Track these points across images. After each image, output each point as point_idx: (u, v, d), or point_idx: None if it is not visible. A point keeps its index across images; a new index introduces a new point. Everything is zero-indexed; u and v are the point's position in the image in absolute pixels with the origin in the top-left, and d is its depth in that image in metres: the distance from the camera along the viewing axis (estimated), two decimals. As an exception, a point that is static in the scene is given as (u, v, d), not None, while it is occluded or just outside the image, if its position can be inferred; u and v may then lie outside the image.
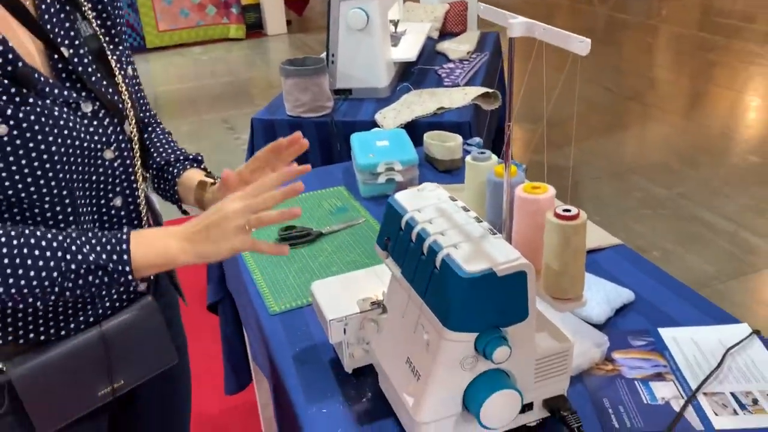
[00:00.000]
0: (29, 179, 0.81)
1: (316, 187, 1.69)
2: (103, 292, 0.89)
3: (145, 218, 0.99)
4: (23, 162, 0.80)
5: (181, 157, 1.11)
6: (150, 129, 1.13)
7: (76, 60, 0.87)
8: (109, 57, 0.93)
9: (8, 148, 0.78)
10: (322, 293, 1.05)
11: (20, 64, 0.78)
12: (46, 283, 0.78)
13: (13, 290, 0.77)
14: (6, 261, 0.76)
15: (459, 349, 0.81)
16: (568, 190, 3.47)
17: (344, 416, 0.97)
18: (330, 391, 1.01)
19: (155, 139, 1.12)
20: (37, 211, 0.83)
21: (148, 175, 1.04)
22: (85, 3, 0.92)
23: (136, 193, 0.97)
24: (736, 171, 3.60)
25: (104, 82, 0.91)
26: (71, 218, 0.87)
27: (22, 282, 0.77)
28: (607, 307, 1.13)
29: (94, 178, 0.90)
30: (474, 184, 1.08)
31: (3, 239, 0.77)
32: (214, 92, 5.48)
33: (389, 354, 0.94)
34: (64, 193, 0.85)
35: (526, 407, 0.90)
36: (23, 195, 0.81)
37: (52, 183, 0.83)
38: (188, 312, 2.72)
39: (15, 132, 0.78)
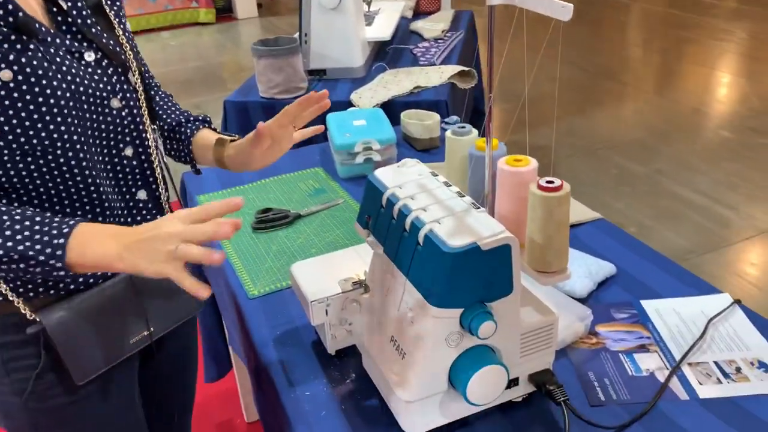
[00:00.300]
0: (40, 125, 0.81)
1: (293, 169, 1.66)
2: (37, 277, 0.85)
3: (158, 168, 0.99)
4: (32, 107, 0.80)
5: (191, 118, 1.12)
6: (152, 92, 1.12)
7: (74, 12, 0.88)
8: (108, 11, 0.92)
9: (15, 94, 0.78)
10: (303, 274, 1.03)
11: (21, 14, 0.79)
12: None
13: None
14: None
15: (444, 325, 0.80)
16: (551, 167, 3.48)
17: (328, 398, 0.95)
18: (313, 374, 0.99)
19: (160, 102, 1.12)
20: (50, 158, 0.83)
21: (155, 127, 1.03)
22: None
23: (147, 143, 0.97)
24: (710, 146, 3.64)
25: (104, 35, 0.91)
26: (85, 166, 0.87)
27: None
28: (589, 281, 1.12)
29: (103, 126, 0.90)
30: (454, 159, 1.06)
31: None
32: (185, 77, 5.38)
33: (372, 333, 0.93)
34: (75, 138, 0.85)
35: (512, 382, 0.89)
36: (35, 142, 0.81)
37: (62, 128, 0.83)
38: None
39: (20, 77, 0.78)
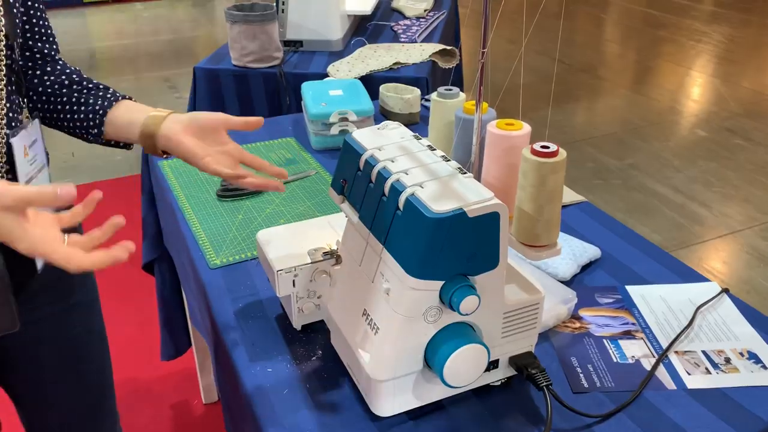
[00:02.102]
0: None
1: (264, 138, 1.57)
2: None
3: (3, 149, 0.83)
4: None
5: (100, 86, 0.97)
6: (50, 63, 0.98)
7: None
8: None
9: None
10: (270, 243, 0.95)
11: None
12: None
13: None
14: None
15: (422, 298, 0.73)
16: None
17: (291, 375, 0.87)
18: (276, 350, 0.92)
19: (51, 71, 0.98)
20: None
21: (22, 100, 0.88)
22: None
23: None
24: (685, 144, 3.64)
25: None
26: None
27: None
28: (574, 264, 1.07)
29: None
30: (440, 124, 0.99)
31: None
32: (156, 50, 5.21)
33: (343, 307, 0.85)
34: None
35: (491, 365, 0.82)
36: None
37: None
38: (121, 272, 2.57)
39: None
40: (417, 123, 1.66)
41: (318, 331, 0.95)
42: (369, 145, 0.84)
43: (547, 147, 0.74)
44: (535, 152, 0.74)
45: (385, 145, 0.84)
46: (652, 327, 0.96)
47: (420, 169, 0.77)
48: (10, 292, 0.85)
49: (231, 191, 1.30)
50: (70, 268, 0.67)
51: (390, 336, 0.75)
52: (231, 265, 1.10)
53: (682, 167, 3.36)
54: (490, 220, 0.71)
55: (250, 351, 0.91)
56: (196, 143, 0.89)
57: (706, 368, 0.88)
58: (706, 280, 1.07)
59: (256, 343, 0.93)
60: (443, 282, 0.72)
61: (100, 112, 0.95)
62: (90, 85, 0.99)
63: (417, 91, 1.65)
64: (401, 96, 1.63)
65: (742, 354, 0.91)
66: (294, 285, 0.90)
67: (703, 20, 6.17)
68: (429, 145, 0.83)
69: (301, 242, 0.95)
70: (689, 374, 0.87)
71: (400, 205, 0.73)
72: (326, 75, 2.04)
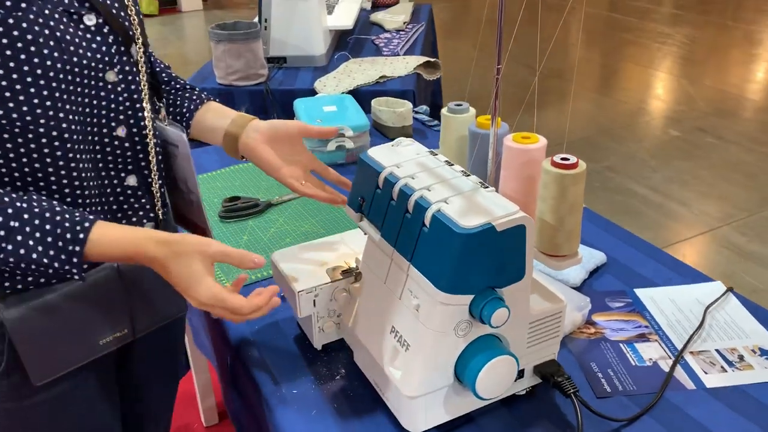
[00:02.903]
0: (22, 96, 0.70)
1: (259, 157, 1.56)
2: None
3: (152, 152, 0.88)
4: (15, 76, 0.70)
5: (188, 86, 1.03)
6: (157, 67, 1.02)
7: None
8: None
9: None
10: (286, 263, 0.95)
11: None
12: None
13: None
14: None
15: (453, 313, 0.74)
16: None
17: (317, 396, 0.87)
18: (299, 371, 0.92)
19: (162, 74, 1.02)
20: (31, 136, 0.73)
21: (161, 105, 0.92)
22: None
23: (142, 123, 0.85)
24: (659, 145, 3.72)
25: None
26: (69, 148, 0.76)
27: None
28: (582, 270, 1.09)
29: (95, 102, 0.79)
30: (451, 139, 1.00)
31: None
32: (127, 69, 5.16)
33: (368, 325, 0.86)
34: (61, 115, 0.74)
35: (518, 375, 0.84)
36: (16, 116, 0.71)
37: (48, 103, 0.72)
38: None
39: (4, 40, 0.68)
40: (410, 135, 1.67)
41: (338, 349, 0.95)
42: (387, 162, 0.85)
43: (567, 159, 0.76)
44: (555, 164, 0.76)
45: (403, 162, 0.84)
46: (665, 329, 0.98)
47: (442, 185, 0.78)
48: None
49: (233, 212, 1.30)
50: (236, 319, 0.79)
51: (421, 352, 0.76)
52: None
53: (658, 167, 3.43)
54: (517, 232, 0.72)
55: (274, 374, 0.91)
56: (273, 155, 0.94)
57: (722, 367, 0.91)
58: (710, 279, 1.09)
59: (278, 365, 0.93)
60: (473, 296, 0.73)
61: (187, 114, 1.00)
62: (178, 86, 1.03)
63: (408, 105, 1.67)
64: (393, 110, 1.65)
65: (754, 351, 0.93)
66: (315, 305, 0.91)
67: (665, 22, 6.32)
68: (446, 161, 0.84)
69: (318, 261, 0.95)
70: (706, 373, 0.90)
71: (426, 221, 0.74)
72: (313, 90, 2.04)
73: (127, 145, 0.85)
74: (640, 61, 5.20)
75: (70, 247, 0.72)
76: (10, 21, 0.68)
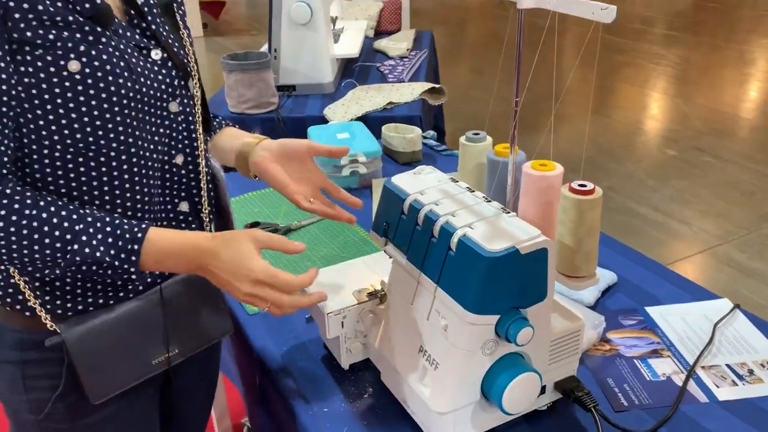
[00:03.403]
0: (98, 122, 0.77)
1: (275, 183, 1.61)
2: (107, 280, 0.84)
3: (203, 179, 0.94)
4: (94, 103, 0.76)
5: (212, 115, 1.07)
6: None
7: (146, 9, 0.84)
8: (176, 13, 0.89)
9: (79, 87, 0.75)
10: (313, 286, 0.99)
11: (99, 1, 0.77)
12: (49, 263, 0.75)
13: (15, 261, 0.75)
14: (13, 230, 0.72)
15: (480, 333, 0.78)
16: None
17: (347, 414, 0.91)
18: (328, 390, 0.96)
19: None
20: (103, 159, 0.79)
21: (209, 138, 0.98)
22: None
23: (197, 152, 0.92)
24: (657, 164, 3.78)
25: (171, 36, 0.87)
26: (136, 171, 0.83)
27: (25, 254, 0.74)
28: (595, 289, 1.13)
29: (161, 131, 0.86)
30: (469, 166, 1.05)
31: (16, 206, 0.73)
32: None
33: (395, 345, 0.90)
34: (131, 140, 0.81)
35: (540, 391, 0.88)
36: (91, 139, 0.77)
37: (120, 128, 0.79)
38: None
39: (87, 70, 0.76)
40: (419, 160, 1.72)
41: (365, 369, 0.99)
42: (410, 189, 0.89)
43: (584, 185, 0.81)
44: (573, 190, 0.81)
45: (426, 189, 0.89)
46: (676, 345, 1.03)
47: (465, 211, 0.83)
48: (223, 299, 0.98)
49: (254, 237, 1.34)
50: (277, 312, 0.84)
51: (450, 370, 0.80)
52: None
53: (657, 187, 3.49)
54: (540, 255, 0.77)
55: (304, 393, 0.95)
56: (282, 172, 0.97)
57: (733, 380, 0.95)
58: (717, 297, 1.14)
59: (307, 384, 0.97)
60: (499, 316, 0.78)
61: (206, 139, 1.04)
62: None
63: (417, 131, 1.73)
64: (403, 135, 1.70)
65: (763, 365, 0.97)
66: (343, 326, 0.95)
67: (659, 43, 6.43)
68: (467, 187, 0.89)
69: (343, 284, 0.99)
70: (718, 387, 0.94)
71: (453, 245, 0.79)
72: (322, 117, 2.10)
73: (183, 172, 0.91)
74: (635, 81, 5.30)
75: (129, 246, 0.77)
76: (93, 53, 0.75)
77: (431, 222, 0.83)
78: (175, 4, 0.90)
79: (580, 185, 0.81)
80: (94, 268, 0.76)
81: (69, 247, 0.75)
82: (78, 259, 0.75)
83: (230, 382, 1.64)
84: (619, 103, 4.88)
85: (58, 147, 0.77)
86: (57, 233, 0.74)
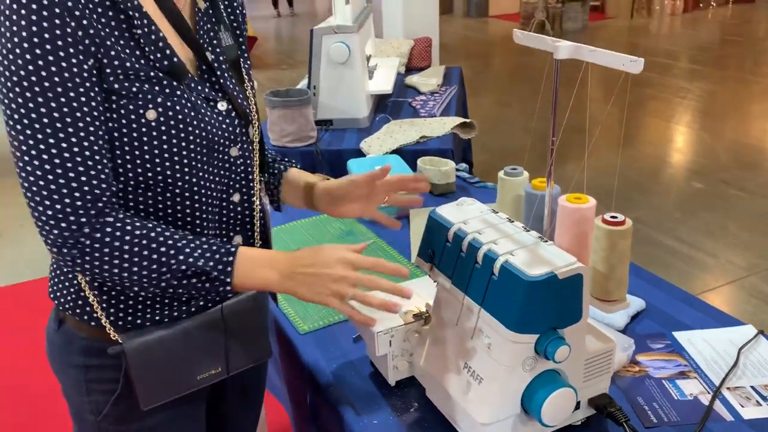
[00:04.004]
0: (168, 163, 0.87)
1: (318, 213, 1.71)
2: (200, 294, 0.93)
3: (257, 216, 1.04)
4: (165, 147, 0.86)
5: (278, 158, 1.17)
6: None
7: (216, 65, 0.94)
8: (242, 68, 0.99)
9: (154, 133, 0.85)
10: (363, 307, 1.08)
11: (175, 59, 0.87)
12: (154, 276, 0.84)
13: (124, 275, 0.84)
14: (126, 248, 0.82)
15: (521, 350, 0.86)
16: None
17: (396, 426, 0.99)
18: (377, 404, 1.03)
19: None
20: (169, 195, 0.89)
21: (263, 178, 1.08)
22: (226, 17, 0.99)
23: (252, 191, 1.02)
24: (684, 196, 3.82)
25: (236, 88, 0.97)
26: (197, 207, 0.93)
27: (134, 270, 0.83)
28: (625, 314, 1.20)
29: (221, 172, 0.96)
30: (507, 198, 1.14)
31: (128, 228, 0.83)
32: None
33: (440, 362, 0.98)
34: (194, 180, 0.90)
35: (575, 406, 0.94)
36: (160, 178, 0.87)
37: (186, 169, 0.88)
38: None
39: (162, 118, 0.85)
40: (453, 192, 1.81)
41: (410, 386, 1.07)
42: (454, 219, 0.98)
43: (616, 217, 0.89)
44: (606, 221, 0.89)
45: (469, 219, 0.98)
46: (703, 367, 1.09)
47: (506, 239, 0.91)
48: (266, 320, 1.05)
49: (301, 263, 1.43)
50: (370, 286, 0.91)
51: (493, 385, 0.88)
52: (318, 330, 1.22)
53: (684, 219, 3.53)
54: (576, 280, 0.85)
55: (355, 407, 1.03)
56: (335, 210, 1.12)
57: (757, 401, 1.01)
58: (741, 323, 1.20)
59: (357, 399, 1.05)
60: (538, 335, 0.85)
61: (261, 179, 1.14)
62: (272, 159, 1.18)
63: (451, 163, 1.82)
64: (438, 168, 1.80)
65: (786, 387, 1.03)
66: (390, 345, 1.03)
67: (683, 77, 6.50)
68: (507, 218, 0.98)
69: (390, 307, 1.08)
70: (743, 407, 1.00)
71: (495, 271, 0.87)
72: (359, 150, 2.21)
73: (239, 209, 1.00)
74: (661, 115, 5.36)
75: (225, 258, 0.87)
76: (168, 104, 0.85)
77: (475, 249, 0.91)
78: (242, 60, 1.01)
79: (612, 217, 0.89)
80: (194, 280, 0.86)
81: (173, 261, 0.84)
82: (183, 267, 0.85)
83: (271, 408, 1.72)
84: (645, 136, 4.94)
85: (131, 182, 0.87)
86: (163, 249, 0.84)
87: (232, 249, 0.88)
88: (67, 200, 0.80)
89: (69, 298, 0.93)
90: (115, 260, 0.82)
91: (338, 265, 0.89)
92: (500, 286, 0.86)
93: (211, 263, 0.86)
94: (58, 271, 0.95)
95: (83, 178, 0.80)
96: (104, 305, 0.92)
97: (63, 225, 0.80)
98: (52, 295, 0.96)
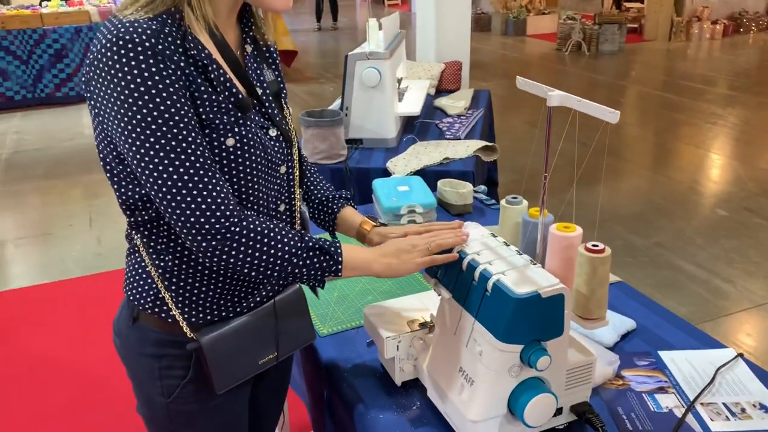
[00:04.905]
0: (242, 183, 1.03)
1: (343, 227, 1.86)
2: (310, 275, 1.08)
3: (297, 222, 1.20)
4: (240, 169, 1.02)
5: (336, 195, 1.31)
6: (304, 165, 1.32)
7: (264, 98, 1.10)
8: (282, 99, 1.16)
9: (231, 157, 1.01)
10: (375, 316, 1.22)
11: (241, 96, 1.03)
12: (287, 256, 1.03)
13: (255, 262, 1.01)
14: (259, 238, 1.01)
15: (508, 358, 0.99)
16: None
17: (399, 421, 1.12)
18: (384, 401, 1.17)
19: (310, 176, 1.32)
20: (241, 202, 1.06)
21: (300, 190, 1.25)
22: (269, 58, 1.16)
23: (294, 202, 1.19)
24: (707, 223, 3.88)
25: (279, 116, 1.13)
26: (255, 216, 1.07)
27: (263, 258, 1.01)
28: (614, 333, 1.31)
29: (273, 186, 1.12)
30: (508, 224, 1.27)
31: (257, 222, 1.02)
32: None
33: (440, 366, 1.11)
34: (256, 194, 1.07)
35: (557, 412, 1.07)
36: (235, 188, 1.04)
37: (250, 185, 1.05)
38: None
39: (238, 144, 1.01)
40: (470, 212, 1.94)
41: (414, 387, 1.20)
42: (458, 241, 1.11)
43: (597, 245, 1.01)
44: (588, 249, 1.01)
45: (471, 242, 1.11)
46: (681, 384, 1.20)
47: (501, 261, 1.04)
48: (307, 309, 1.21)
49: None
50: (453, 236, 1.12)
51: (482, 387, 1.01)
52: (336, 333, 1.36)
53: (705, 245, 3.59)
54: (558, 299, 0.98)
55: (365, 402, 1.17)
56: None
57: (726, 416, 1.11)
58: (724, 346, 1.30)
59: (367, 396, 1.18)
60: (523, 345, 0.98)
61: (334, 214, 1.30)
62: (331, 193, 1.32)
63: (469, 186, 1.95)
64: (457, 190, 1.93)
65: (754, 405, 1.14)
66: (398, 349, 1.17)
67: (718, 103, 6.50)
68: (504, 242, 1.11)
69: (400, 315, 1.22)
70: (713, 420, 1.11)
71: (488, 288, 1.00)
72: (385, 169, 2.35)
73: (284, 217, 1.17)
74: (691, 140, 5.39)
75: (333, 248, 1.07)
76: (243, 132, 1.01)
77: (473, 268, 1.04)
78: (282, 93, 1.17)
79: (593, 245, 1.01)
80: (315, 258, 1.05)
81: (302, 239, 1.05)
82: (311, 244, 1.04)
83: (293, 403, 1.86)
84: (673, 161, 4.99)
85: None
86: (291, 234, 1.05)
87: (335, 240, 1.07)
88: (210, 201, 0.96)
89: (147, 298, 1.09)
90: (249, 249, 0.99)
91: (409, 240, 1.10)
92: (492, 301, 0.99)
93: (327, 244, 1.05)
94: (136, 276, 1.10)
95: (219, 184, 0.97)
96: (179, 305, 1.08)
97: (213, 220, 0.96)
98: (129, 296, 1.12)
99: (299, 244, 1.04)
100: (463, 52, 3.72)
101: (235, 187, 1.03)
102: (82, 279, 3.44)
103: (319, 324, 1.40)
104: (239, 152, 1.01)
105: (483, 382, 1.01)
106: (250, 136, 1.03)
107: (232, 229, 0.98)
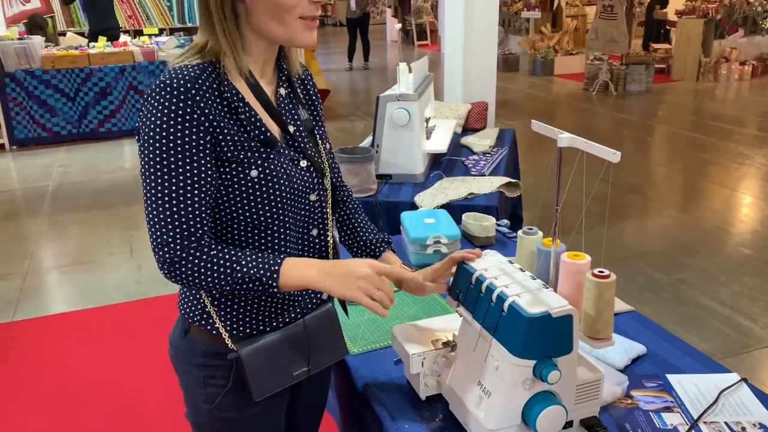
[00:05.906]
0: (266, 209, 1.16)
1: (372, 257, 1.98)
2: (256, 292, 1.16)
3: (331, 245, 1.32)
4: (264, 197, 1.15)
5: (379, 238, 1.42)
6: (349, 203, 1.45)
7: (297, 134, 1.24)
8: (316, 134, 1.30)
9: (256, 186, 1.14)
10: (402, 335, 1.34)
11: (268, 133, 1.16)
12: (228, 281, 1.11)
13: (209, 285, 1.12)
14: (209, 266, 1.11)
15: (522, 372, 1.09)
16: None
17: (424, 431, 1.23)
18: (409, 414, 1.28)
19: (356, 215, 1.44)
20: (269, 232, 1.18)
21: (334, 217, 1.38)
22: (303, 98, 1.30)
23: (327, 227, 1.31)
24: (730, 261, 3.92)
25: (312, 149, 1.27)
26: (284, 237, 1.20)
27: (215, 282, 1.12)
28: (625, 357, 1.41)
29: (303, 212, 1.25)
30: (524, 252, 1.38)
31: (213, 253, 1.11)
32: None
33: (461, 380, 1.22)
34: (282, 219, 1.19)
35: (568, 424, 1.16)
36: (260, 220, 1.17)
37: (277, 212, 1.18)
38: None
39: (262, 176, 1.14)
40: (493, 244, 2.05)
41: (437, 401, 1.31)
42: (478, 267, 1.23)
43: (603, 272, 1.12)
44: (594, 275, 1.12)
45: (489, 267, 1.23)
46: (686, 404, 1.29)
47: (516, 285, 1.16)
48: (339, 327, 1.31)
49: (356, 298, 1.70)
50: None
51: (499, 398, 1.11)
52: (366, 353, 1.48)
53: (728, 282, 3.63)
54: (567, 319, 1.08)
55: (392, 415, 1.28)
56: (422, 293, 1.35)
57: (728, 434, 1.20)
58: (728, 371, 1.39)
59: (394, 409, 1.29)
60: (536, 361, 1.09)
61: (334, 217, 1.40)
62: (375, 236, 1.43)
63: (492, 219, 2.07)
64: (480, 223, 2.05)
65: (755, 425, 1.22)
66: (422, 366, 1.28)
67: (746, 144, 6.54)
68: (520, 268, 1.22)
69: (425, 335, 1.33)
70: (715, 438, 1.19)
71: (505, 308, 1.12)
72: (413, 203, 2.48)
73: (316, 241, 1.29)
74: (719, 180, 5.44)
75: (273, 267, 1.13)
76: (266, 164, 1.15)
77: (491, 291, 1.16)
78: (316, 128, 1.31)
79: (599, 271, 1.12)
80: (250, 284, 1.12)
81: (240, 270, 1.11)
82: (238, 276, 1.11)
83: (324, 424, 1.97)
84: (700, 200, 5.04)
85: (235, 223, 1.16)
86: (230, 264, 1.11)
87: (278, 260, 1.14)
88: (171, 233, 1.09)
89: (195, 312, 1.22)
90: (202, 275, 1.10)
91: (364, 268, 1.15)
92: (508, 320, 1.11)
93: (261, 272, 1.12)
94: (187, 293, 1.24)
95: (188, 218, 1.09)
96: (222, 318, 1.21)
97: (167, 250, 1.09)
98: (181, 309, 1.26)
99: (236, 276, 1.11)
100: (489, 92, 3.87)
101: (261, 212, 1.15)
102: (122, 305, 3.61)
103: (350, 343, 1.51)
104: (263, 182, 1.14)
105: (499, 394, 1.11)
106: (272, 167, 1.15)
107: (186, 257, 1.09)
